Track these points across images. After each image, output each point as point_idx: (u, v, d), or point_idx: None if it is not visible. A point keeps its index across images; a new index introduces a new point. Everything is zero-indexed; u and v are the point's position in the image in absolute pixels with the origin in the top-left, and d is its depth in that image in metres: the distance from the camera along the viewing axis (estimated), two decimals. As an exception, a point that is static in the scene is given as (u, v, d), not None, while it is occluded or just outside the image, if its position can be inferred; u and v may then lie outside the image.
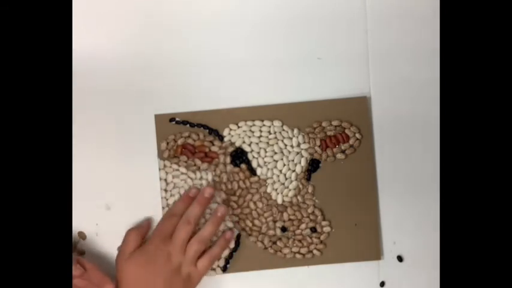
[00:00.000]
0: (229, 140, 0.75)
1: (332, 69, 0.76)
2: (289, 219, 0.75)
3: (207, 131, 0.75)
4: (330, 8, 0.75)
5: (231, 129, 0.75)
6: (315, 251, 0.75)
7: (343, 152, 0.75)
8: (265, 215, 0.75)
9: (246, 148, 0.75)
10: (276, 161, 0.75)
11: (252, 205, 0.75)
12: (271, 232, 0.75)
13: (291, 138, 0.75)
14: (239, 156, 0.75)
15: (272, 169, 0.75)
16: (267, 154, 0.75)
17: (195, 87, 0.76)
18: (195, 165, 0.75)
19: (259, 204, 0.75)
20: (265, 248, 0.75)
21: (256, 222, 0.75)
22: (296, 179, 0.75)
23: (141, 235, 0.72)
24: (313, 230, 0.75)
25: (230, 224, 0.75)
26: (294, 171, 0.75)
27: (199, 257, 0.71)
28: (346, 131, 0.75)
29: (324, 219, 0.75)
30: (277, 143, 0.75)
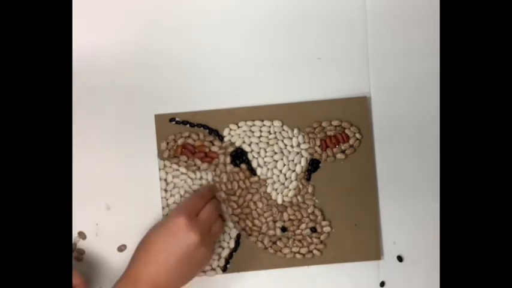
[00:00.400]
0: (229, 140, 0.75)
1: (332, 69, 0.76)
2: (289, 219, 0.75)
3: (207, 131, 0.75)
4: (330, 8, 0.75)
5: (231, 129, 0.75)
6: (315, 251, 0.75)
7: (343, 152, 0.75)
8: (265, 215, 0.75)
9: (246, 148, 0.75)
10: (276, 161, 0.75)
11: (252, 205, 0.75)
12: (271, 232, 0.75)
13: (291, 138, 0.75)
14: (239, 156, 0.75)
15: (272, 169, 0.75)
16: (267, 154, 0.75)
17: (195, 87, 0.76)
18: (195, 165, 0.75)
19: (259, 204, 0.75)
20: (265, 248, 0.75)
21: (256, 222, 0.75)
22: (296, 179, 0.75)
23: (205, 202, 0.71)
24: (313, 230, 0.75)
25: (230, 224, 0.75)
26: (294, 171, 0.75)
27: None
28: (346, 131, 0.75)
29: (324, 219, 0.75)
30: (277, 143, 0.75)
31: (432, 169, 0.74)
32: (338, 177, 0.75)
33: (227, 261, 0.75)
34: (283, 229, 0.75)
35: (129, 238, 0.74)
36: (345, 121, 0.75)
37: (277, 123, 0.75)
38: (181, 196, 0.75)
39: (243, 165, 0.75)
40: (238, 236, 0.75)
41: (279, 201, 0.75)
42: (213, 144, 0.75)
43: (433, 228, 0.74)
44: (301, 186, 0.75)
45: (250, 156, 0.75)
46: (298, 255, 0.75)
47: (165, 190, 0.75)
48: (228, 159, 0.75)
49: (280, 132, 0.75)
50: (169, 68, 0.75)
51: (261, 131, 0.75)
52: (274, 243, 0.75)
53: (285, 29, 0.76)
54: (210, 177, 0.75)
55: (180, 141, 0.75)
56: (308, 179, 0.75)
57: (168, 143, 0.75)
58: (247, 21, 0.76)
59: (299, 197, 0.75)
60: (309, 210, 0.75)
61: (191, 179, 0.75)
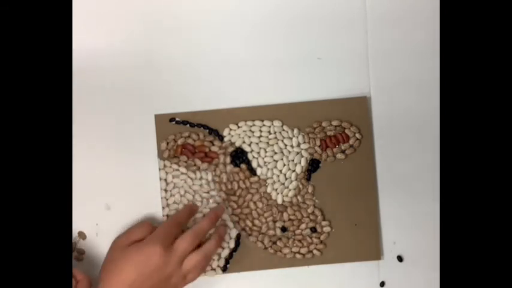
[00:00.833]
0: (229, 140, 0.75)
1: (332, 69, 0.76)
2: (289, 219, 0.75)
3: (207, 131, 0.75)
4: (330, 8, 0.75)
5: (231, 129, 0.75)
6: (315, 251, 0.75)
7: (343, 152, 0.75)
8: (265, 215, 0.75)
9: (246, 148, 0.75)
10: (276, 161, 0.75)
11: (252, 205, 0.75)
12: (271, 232, 0.75)
13: (291, 138, 0.75)
14: (239, 156, 0.75)
15: (272, 169, 0.75)
16: (267, 154, 0.75)
17: (195, 87, 0.76)
18: (195, 165, 0.75)
19: (259, 204, 0.75)
20: (265, 248, 0.75)
21: (256, 222, 0.75)
22: (296, 179, 0.75)
23: (152, 232, 0.70)
24: (313, 230, 0.75)
25: (230, 224, 0.75)
26: (294, 171, 0.75)
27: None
28: (346, 131, 0.75)
29: (324, 219, 0.75)
30: (277, 143, 0.75)
31: (432, 169, 0.74)
32: (338, 177, 0.75)
33: (227, 261, 0.75)
34: (283, 229, 0.75)
35: (129, 238, 0.74)
36: (345, 121, 0.75)
37: (277, 123, 0.75)
38: (181, 196, 0.75)
39: (243, 165, 0.75)
40: (238, 236, 0.75)
41: (279, 201, 0.75)
42: (213, 144, 0.75)
43: (433, 228, 0.74)
44: (301, 186, 0.75)
45: (250, 156, 0.75)
46: (298, 255, 0.75)
47: (165, 190, 0.75)
48: (228, 159, 0.75)
49: (280, 132, 0.75)
50: (170, 68, 0.75)
51: (261, 131, 0.75)
52: (274, 243, 0.75)
53: (285, 29, 0.76)
54: (210, 177, 0.75)
55: (180, 141, 0.75)
56: (308, 179, 0.75)
57: (168, 143, 0.75)
58: (247, 21, 0.76)
59: (299, 197, 0.75)
60: (309, 210, 0.75)
61: (191, 179, 0.75)
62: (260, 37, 0.76)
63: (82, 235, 0.75)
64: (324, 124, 0.75)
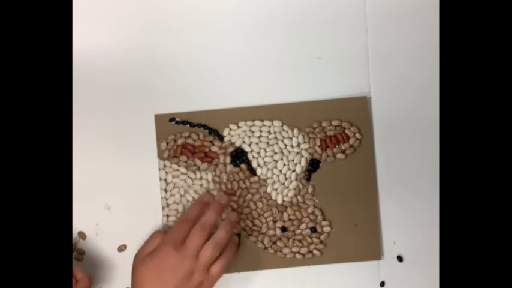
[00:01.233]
0: (229, 140, 0.75)
1: (332, 69, 0.76)
2: (289, 219, 0.75)
3: (207, 131, 0.75)
4: (330, 8, 0.75)
5: (231, 129, 0.75)
6: (315, 251, 0.75)
7: (343, 152, 0.75)
8: (265, 215, 0.75)
9: (246, 148, 0.75)
10: (276, 161, 0.75)
11: (252, 205, 0.75)
12: (271, 232, 0.75)
13: (291, 138, 0.75)
14: (239, 156, 0.75)
15: (272, 169, 0.75)
16: (267, 154, 0.75)
17: (195, 87, 0.76)
18: (195, 165, 0.75)
19: (259, 204, 0.75)
20: (265, 248, 0.75)
21: (256, 222, 0.75)
22: (296, 179, 0.75)
23: None
24: (313, 230, 0.75)
25: (230, 224, 0.75)
26: (294, 171, 0.75)
27: (211, 264, 0.68)
28: (346, 131, 0.75)
29: (324, 219, 0.75)
30: (277, 143, 0.75)
31: (432, 169, 0.74)
32: (338, 177, 0.75)
33: (227, 261, 0.75)
34: (283, 229, 0.75)
35: (129, 238, 0.74)
36: (345, 121, 0.75)
37: (277, 123, 0.75)
38: (181, 196, 0.75)
39: (243, 165, 0.75)
40: (238, 236, 0.75)
41: (279, 201, 0.75)
42: (213, 144, 0.75)
43: (433, 228, 0.74)
44: (301, 186, 0.75)
45: (250, 156, 0.75)
46: (298, 255, 0.75)
47: (165, 190, 0.75)
48: (228, 159, 0.75)
49: (280, 132, 0.75)
50: (170, 68, 0.75)
51: (261, 131, 0.75)
52: (274, 243, 0.75)
53: (285, 29, 0.76)
54: (210, 177, 0.75)
55: (180, 141, 0.75)
56: (308, 179, 0.75)
57: (168, 143, 0.75)
58: (247, 22, 0.76)
59: (299, 197, 0.75)
60: (309, 210, 0.75)
61: (191, 179, 0.75)
62: (260, 37, 0.76)
63: (82, 235, 0.75)
64: (324, 124, 0.75)
